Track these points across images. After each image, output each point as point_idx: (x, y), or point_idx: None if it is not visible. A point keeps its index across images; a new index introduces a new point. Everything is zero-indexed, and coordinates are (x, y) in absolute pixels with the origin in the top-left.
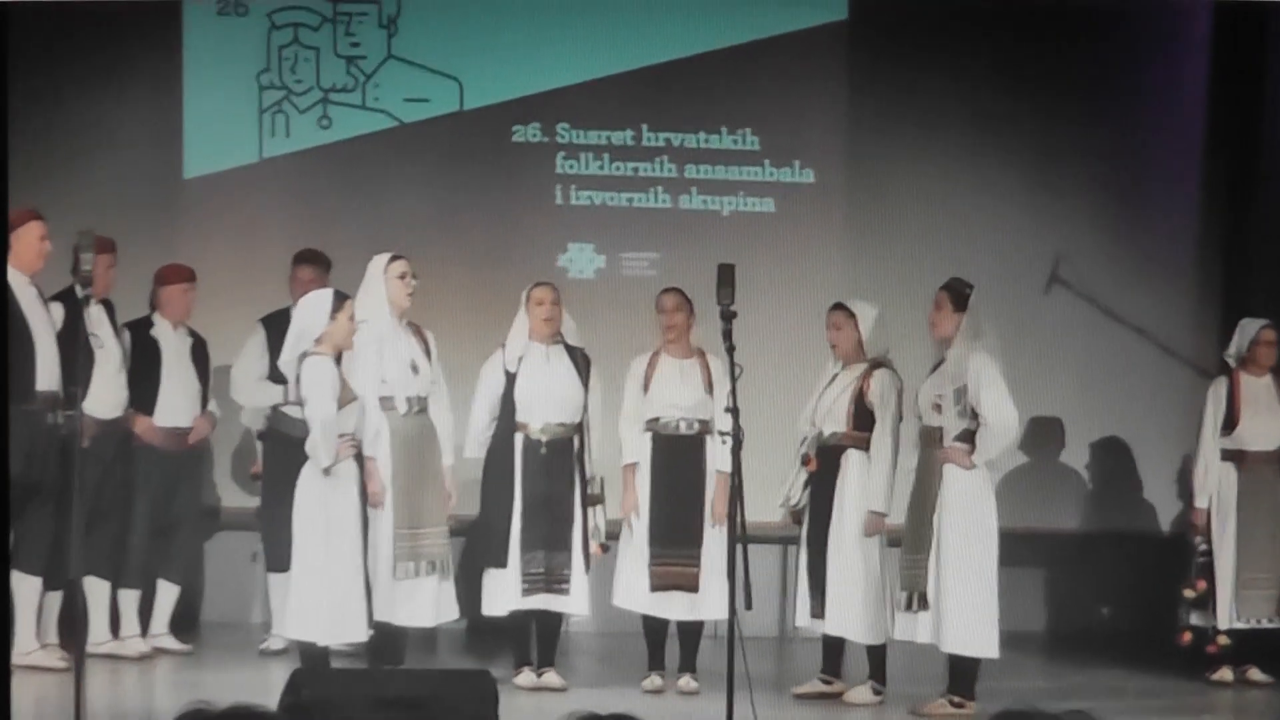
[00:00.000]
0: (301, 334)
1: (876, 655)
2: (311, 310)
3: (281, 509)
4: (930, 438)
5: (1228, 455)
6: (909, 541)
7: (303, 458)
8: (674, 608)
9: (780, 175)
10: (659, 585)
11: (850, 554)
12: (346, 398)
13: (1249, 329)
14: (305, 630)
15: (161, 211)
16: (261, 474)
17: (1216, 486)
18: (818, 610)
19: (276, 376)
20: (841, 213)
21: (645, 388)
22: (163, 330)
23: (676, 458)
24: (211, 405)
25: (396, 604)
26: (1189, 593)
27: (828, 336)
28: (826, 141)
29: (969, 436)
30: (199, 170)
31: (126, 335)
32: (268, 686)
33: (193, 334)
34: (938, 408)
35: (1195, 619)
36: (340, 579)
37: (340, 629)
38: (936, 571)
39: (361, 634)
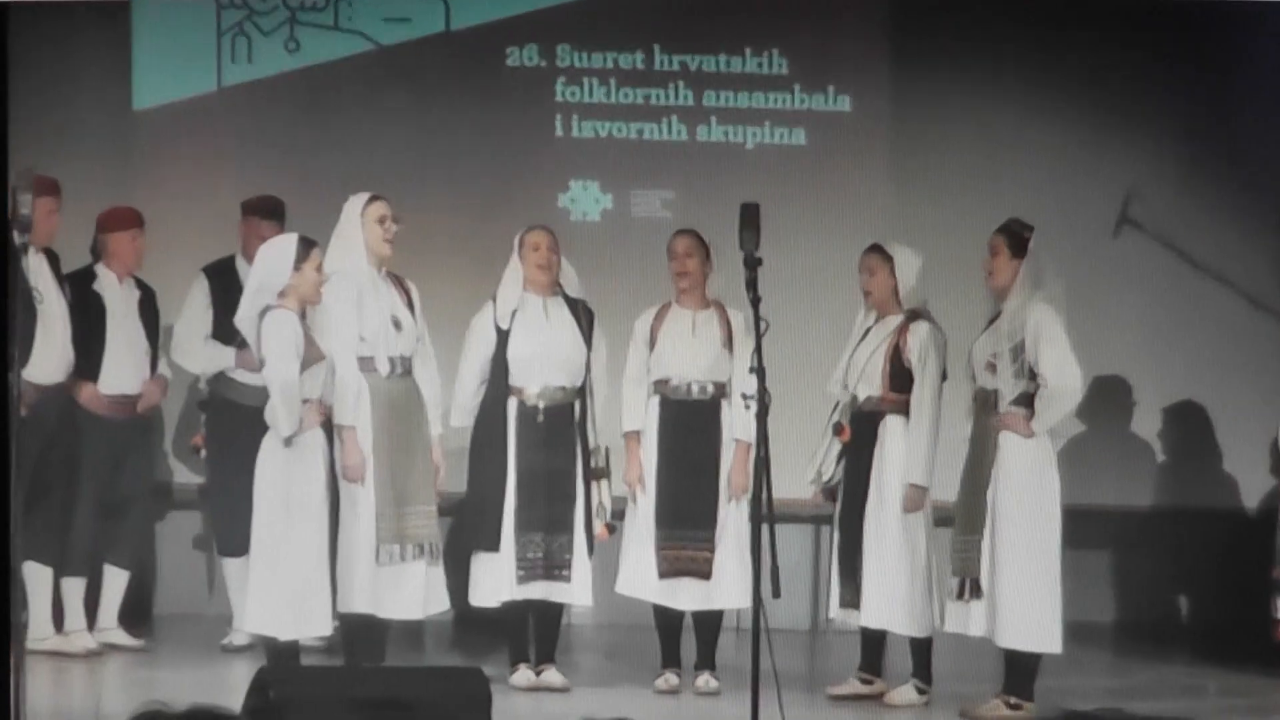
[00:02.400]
0: (262, 287)
1: (921, 650)
2: (274, 260)
3: (229, 486)
4: (984, 402)
5: None
6: (961, 520)
7: (251, 428)
8: (684, 596)
9: (812, 103)
10: (668, 571)
11: (891, 535)
12: (312, 357)
13: None
14: (268, 623)
15: (108, 148)
16: (204, 447)
17: None
18: (853, 599)
19: (222, 334)
20: (882, 146)
21: (651, 344)
22: (107, 283)
23: (687, 425)
24: (162, 367)
25: (380, 593)
26: None
27: (860, 282)
28: (865, 64)
29: (1027, 400)
30: (150, 101)
31: (68, 289)
32: (230, 686)
33: (141, 286)
34: (992, 368)
35: None
36: (305, 565)
37: (307, 621)
38: (991, 554)
39: (328, 626)
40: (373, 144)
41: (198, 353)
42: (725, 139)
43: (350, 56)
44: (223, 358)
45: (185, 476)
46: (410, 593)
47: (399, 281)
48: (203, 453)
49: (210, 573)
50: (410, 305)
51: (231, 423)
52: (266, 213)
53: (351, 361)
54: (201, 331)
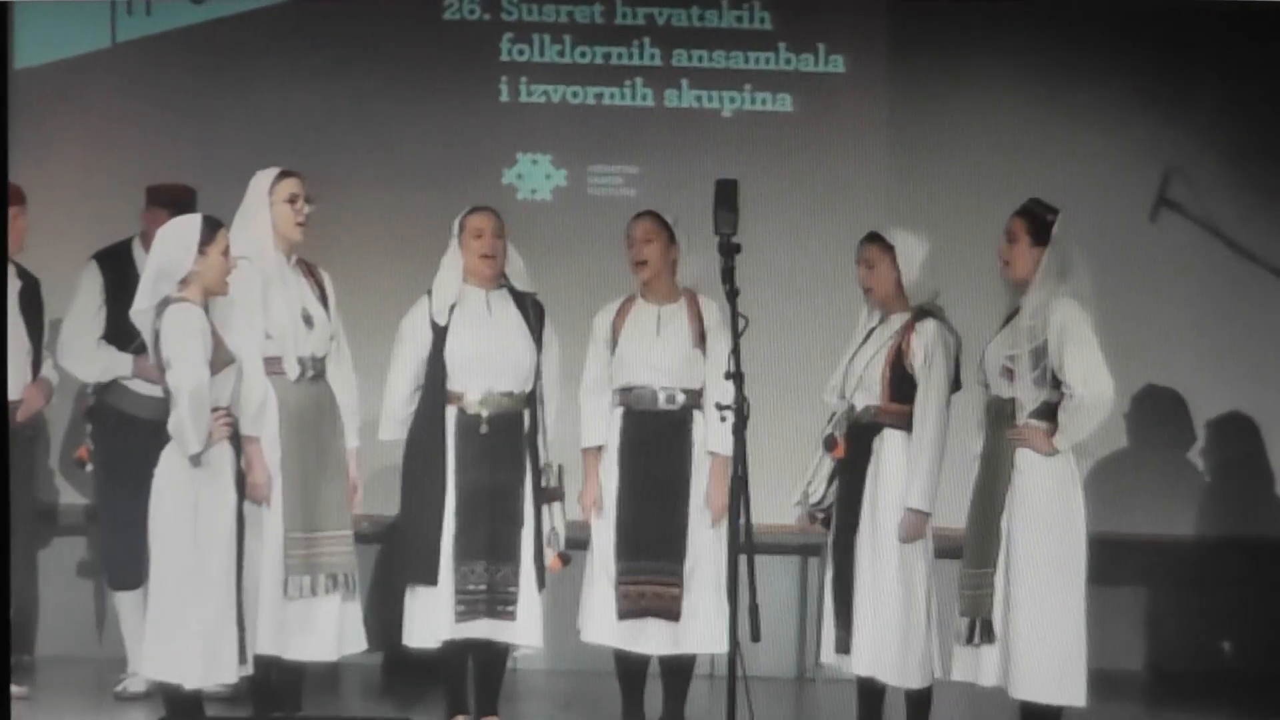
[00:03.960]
0: (161, 273)
1: (919, 702)
2: (174, 243)
3: (121, 508)
4: (998, 414)
5: None
6: (971, 552)
7: (146, 442)
8: (650, 639)
9: (800, 63)
10: (629, 611)
11: (886, 568)
12: (221, 359)
13: None
14: (169, 668)
15: None
16: (91, 462)
17: None
18: (848, 643)
19: (118, 334)
20: (882, 113)
21: (613, 345)
22: None
23: (653, 441)
24: (46, 369)
25: (288, 632)
26: None
27: (859, 278)
28: (862, 18)
29: (1050, 412)
30: (33, 59)
31: None
32: None
33: (23, 274)
34: (1009, 373)
35: None
36: (213, 601)
37: (214, 666)
38: (1006, 592)
39: (237, 672)
40: (287, 111)
41: (90, 357)
42: (698, 105)
43: (263, 8)
44: (119, 364)
45: (72, 496)
46: (322, 631)
47: (311, 271)
48: (89, 466)
49: (101, 608)
50: (323, 298)
51: (123, 435)
52: (179, 206)
53: (257, 363)
54: (94, 331)
